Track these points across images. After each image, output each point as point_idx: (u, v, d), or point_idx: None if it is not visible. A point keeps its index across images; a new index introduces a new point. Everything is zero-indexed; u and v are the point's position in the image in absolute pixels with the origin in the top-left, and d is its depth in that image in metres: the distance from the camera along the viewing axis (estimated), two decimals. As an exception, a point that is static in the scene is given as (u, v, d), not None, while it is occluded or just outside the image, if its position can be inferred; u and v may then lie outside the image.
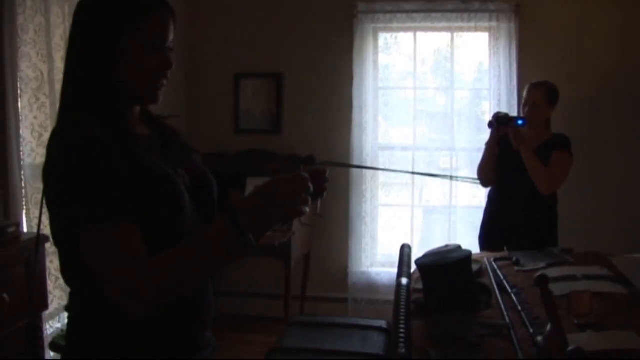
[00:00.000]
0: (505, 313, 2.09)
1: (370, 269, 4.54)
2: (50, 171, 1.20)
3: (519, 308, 2.10)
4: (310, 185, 1.19)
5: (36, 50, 2.95)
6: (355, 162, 4.44)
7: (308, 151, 4.53)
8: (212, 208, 1.41)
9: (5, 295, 1.75)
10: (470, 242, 3.55)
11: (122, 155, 1.21)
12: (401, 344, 1.74)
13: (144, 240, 1.19)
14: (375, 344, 2.72)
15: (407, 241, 4.46)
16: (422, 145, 4.50)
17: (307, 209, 1.20)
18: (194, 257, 1.17)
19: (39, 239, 1.22)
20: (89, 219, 1.15)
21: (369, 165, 4.47)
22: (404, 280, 2.41)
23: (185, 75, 4.66)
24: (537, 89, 3.32)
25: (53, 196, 1.21)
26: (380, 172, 4.58)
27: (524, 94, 3.38)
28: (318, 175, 1.29)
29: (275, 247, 3.87)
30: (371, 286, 4.51)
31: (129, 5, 1.26)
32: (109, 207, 1.16)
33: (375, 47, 4.48)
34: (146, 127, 1.40)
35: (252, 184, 4.22)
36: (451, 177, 1.88)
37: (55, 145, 1.21)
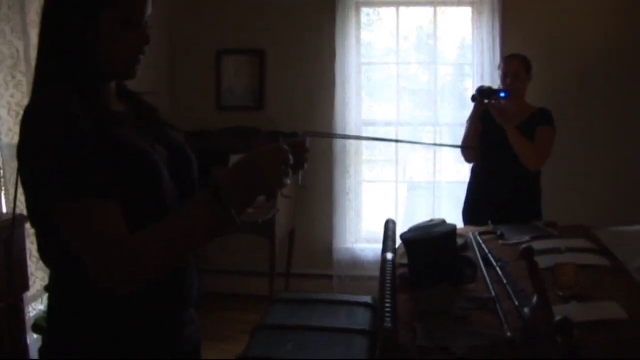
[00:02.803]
0: (490, 286, 2.10)
1: (354, 246, 4.54)
2: (26, 148, 1.17)
3: (504, 281, 2.11)
4: (291, 156, 1.18)
5: (10, 26, 2.88)
6: (339, 139, 4.41)
7: (291, 128, 4.40)
8: (193, 185, 1.39)
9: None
10: (455, 218, 3.54)
11: (98, 132, 1.18)
12: (387, 319, 1.74)
13: (124, 217, 1.17)
14: (361, 319, 2.72)
15: (392, 217, 4.48)
16: (405, 121, 4.48)
17: (288, 181, 1.19)
18: (176, 234, 1.15)
19: (14, 219, 1.20)
20: (67, 195, 1.12)
21: (352, 142, 4.45)
22: (389, 255, 2.41)
23: (167, 51, 4.59)
24: (514, 59, 3.33)
25: (29, 173, 1.17)
26: (364, 147, 4.57)
27: (501, 67, 3.37)
28: (298, 147, 1.28)
29: (259, 225, 3.85)
30: (356, 262, 4.52)
31: None
32: (87, 184, 1.13)
33: (358, 22, 4.43)
34: (122, 104, 1.37)
35: (235, 160, 4.22)
36: (435, 144, 1.86)
37: (30, 122, 1.17)
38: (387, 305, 1.89)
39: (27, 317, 2.54)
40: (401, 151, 4.53)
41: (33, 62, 2.98)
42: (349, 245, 4.54)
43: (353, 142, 4.47)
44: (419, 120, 4.48)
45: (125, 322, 1.23)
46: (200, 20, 4.59)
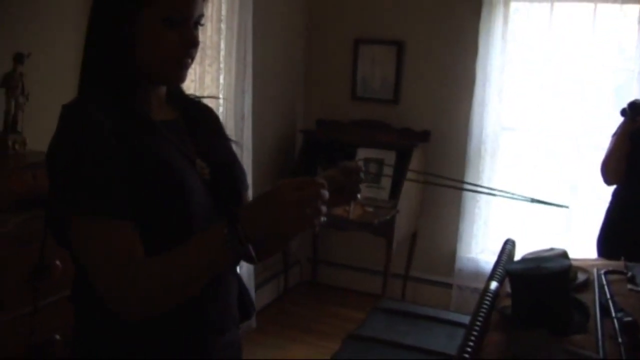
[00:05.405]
0: (600, 343, 1.79)
1: (479, 256, 4.25)
2: (48, 155, 1.12)
3: (619, 340, 1.79)
4: (326, 192, 1.01)
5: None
6: (475, 142, 4.13)
7: (424, 125, 4.29)
8: (238, 201, 1.27)
9: (57, 262, 1.76)
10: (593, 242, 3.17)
11: (128, 144, 1.10)
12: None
13: (147, 237, 1.09)
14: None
15: (522, 231, 4.14)
16: (548, 128, 4.08)
17: (324, 218, 1.03)
18: (188, 262, 1.06)
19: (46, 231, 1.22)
20: (80, 210, 1.06)
21: (488, 146, 4.14)
22: (493, 285, 2.17)
23: (304, 38, 4.54)
24: None
25: (50, 181, 1.13)
26: (501, 152, 4.24)
27: None
28: (351, 174, 1.13)
29: (375, 225, 3.72)
30: (478, 274, 4.21)
31: None
32: (102, 199, 1.06)
33: (506, 17, 4.05)
34: (173, 110, 1.28)
35: (362, 154, 4.09)
36: (532, 200, 1.58)
37: (58, 127, 1.12)
38: (470, 344, 1.69)
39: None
40: (541, 159, 4.14)
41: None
42: (473, 255, 4.26)
43: (489, 145, 4.16)
44: (564, 128, 4.05)
45: (139, 345, 1.15)
46: (339, 8, 4.49)
